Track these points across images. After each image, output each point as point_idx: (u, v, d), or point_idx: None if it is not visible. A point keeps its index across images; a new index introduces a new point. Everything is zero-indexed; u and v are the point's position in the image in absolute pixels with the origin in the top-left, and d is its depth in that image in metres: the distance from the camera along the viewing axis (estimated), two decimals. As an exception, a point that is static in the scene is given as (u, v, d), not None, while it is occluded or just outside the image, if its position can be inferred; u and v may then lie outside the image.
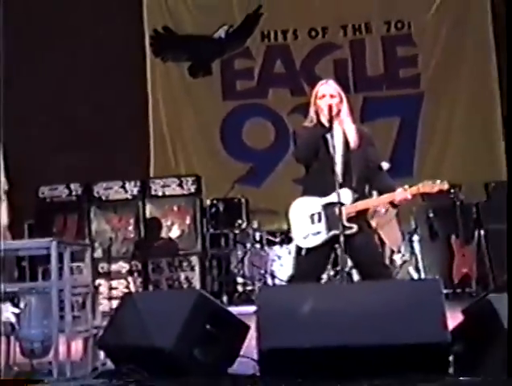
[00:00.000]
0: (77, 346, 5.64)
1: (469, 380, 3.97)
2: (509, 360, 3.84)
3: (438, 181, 5.48)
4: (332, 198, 5.38)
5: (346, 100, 5.65)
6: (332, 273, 8.73)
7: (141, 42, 12.97)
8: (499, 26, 12.05)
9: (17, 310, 5.62)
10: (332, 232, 5.41)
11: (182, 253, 10.83)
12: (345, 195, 5.38)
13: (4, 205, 6.34)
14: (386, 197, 5.67)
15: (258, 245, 10.96)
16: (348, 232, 5.31)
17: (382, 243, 8.93)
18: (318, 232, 5.50)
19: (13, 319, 5.76)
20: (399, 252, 9.63)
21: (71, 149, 11.67)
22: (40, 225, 10.92)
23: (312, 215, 5.54)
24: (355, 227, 5.38)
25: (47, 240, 5.41)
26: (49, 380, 4.90)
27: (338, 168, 5.40)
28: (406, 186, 5.54)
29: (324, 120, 5.52)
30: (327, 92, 5.60)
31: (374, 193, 6.06)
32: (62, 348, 5.23)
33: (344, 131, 5.57)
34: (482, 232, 10.41)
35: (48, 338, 5.29)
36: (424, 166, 12.07)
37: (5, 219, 6.33)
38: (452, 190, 10.20)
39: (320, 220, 5.50)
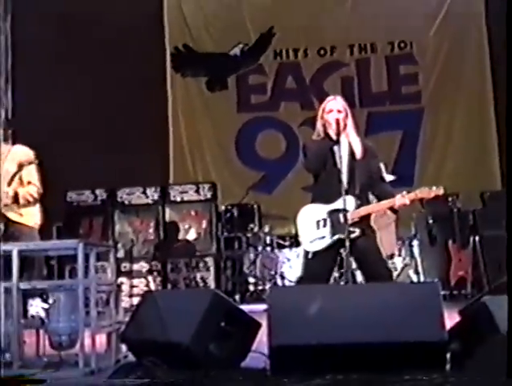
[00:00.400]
0: (101, 339, 5.65)
1: (469, 380, 3.95)
2: (508, 361, 3.80)
3: (434, 187, 5.50)
4: (337, 204, 5.42)
5: (351, 115, 5.68)
6: (337, 274, 8.72)
7: (162, 58, 13.02)
8: (494, 46, 12.04)
9: (46, 306, 5.65)
10: (336, 237, 5.44)
11: (198, 255, 10.84)
12: (349, 201, 5.40)
13: (37, 208, 6.37)
14: (387, 203, 5.69)
15: (268, 248, 10.95)
16: (351, 235, 5.34)
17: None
18: (323, 237, 5.53)
19: (42, 314, 5.79)
20: (392, 257, 9.57)
21: (96, 158, 11.69)
22: (68, 227, 10.95)
23: (318, 221, 5.56)
24: (357, 232, 5.41)
25: (75, 242, 5.43)
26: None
27: (344, 177, 5.43)
28: (405, 193, 5.57)
29: (332, 133, 5.55)
30: (334, 108, 5.62)
31: (375, 200, 6.09)
32: (87, 341, 5.23)
33: (350, 143, 5.59)
34: (477, 238, 10.36)
35: (75, 332, 5.30)
36: (424, 176, 12.03)
37: (38, 221, 6.36)
38: (450, 199, 10.24)
39: (324, 226, 5.53)
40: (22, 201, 6.17)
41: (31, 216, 6.29)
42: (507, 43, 4.77)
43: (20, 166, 6.05)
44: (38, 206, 6.38)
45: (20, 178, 6.12)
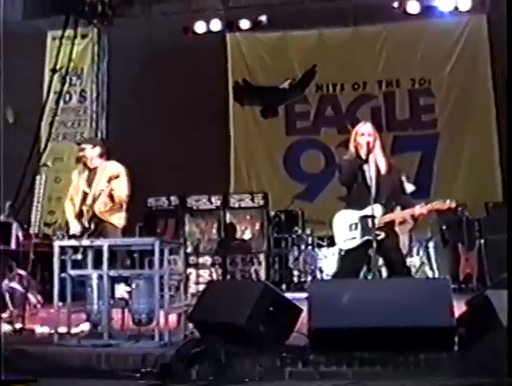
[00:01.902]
0: (173, 318, 5.71)
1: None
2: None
3: (448, 200, 5.49)
4: (366, 211, 5.39)
5: (379, 139, 5.67)
6: (365, 270, 8.67)
7: (225, 90, 13.12)
8: (497, 81, 11.88)
9: (129, 290, 5.72)
10: (365, 238, 5.41)
11: (252, 252, 10.86)
12: (377, 209, 5.37)
13: (123, 212, 6.44)
14: (408, 211, 5.67)
15: (310, 247, 10.95)
16: (378, 237, 5.31)
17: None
18: (353, 238, 5.52)
19: (126, 296, 5.87)
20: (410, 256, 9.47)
21: (171, 171, 11.80)
22: (147, 227, 11.01)
23: (350, 224, 5.55)
24: (383, 234, 5.38)
25: (152, 239, 5.51)
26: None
27: (372, 189, 5.40)
28: (423, 204, 5.57)
29: (363, 153, 5.53)
30: (365, 132, 5.62)
31: (398, 208, 6.05)
32: (162, 319, 5.30)
33: (377, 162, 5.57)
34: (482, 241, 10.24)
35: (152, 312, 5.37)
36: (439, 189, 11.84)
37: (122, 223, 6.42)
38: (460, 209, 10.12)
39: (356, 228, 5.50)
40: (115, 205, 6.24)
41: (118, 218, 6.37)
42: (507, 80, 4.72)
43: (109, 180, 6.11)
44: (124, 210, 6.46)
45: (110, 192, 6.16)
